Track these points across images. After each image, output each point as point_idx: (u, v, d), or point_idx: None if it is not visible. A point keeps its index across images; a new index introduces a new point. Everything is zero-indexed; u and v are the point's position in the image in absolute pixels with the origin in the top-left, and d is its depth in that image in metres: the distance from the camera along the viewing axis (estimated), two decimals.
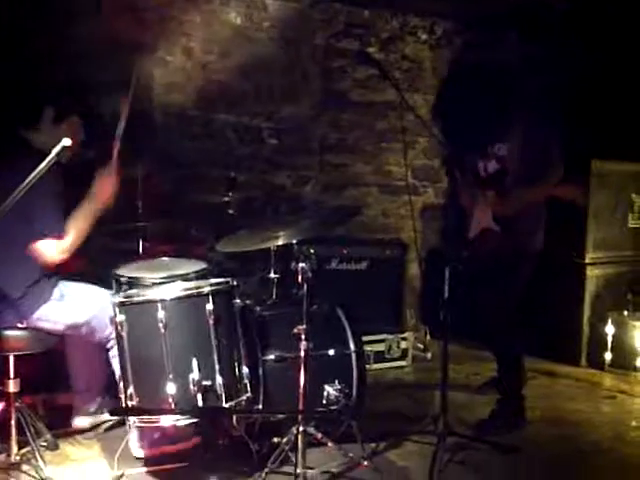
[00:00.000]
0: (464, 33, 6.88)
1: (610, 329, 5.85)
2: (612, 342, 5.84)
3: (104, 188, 3.90)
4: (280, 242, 4.06)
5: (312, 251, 3.97)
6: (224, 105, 5.89)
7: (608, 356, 5.85)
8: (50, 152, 2.85)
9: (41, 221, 3.70)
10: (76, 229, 3.79)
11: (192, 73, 5.77)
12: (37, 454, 3.68)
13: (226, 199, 4.56)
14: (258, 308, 4.19)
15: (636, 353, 5.74)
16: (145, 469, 3.79)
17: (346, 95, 6.50)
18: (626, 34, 6.37)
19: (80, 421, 4.21)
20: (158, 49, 5.62)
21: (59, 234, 3.73)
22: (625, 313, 5.93)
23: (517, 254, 4.51)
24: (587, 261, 5.92)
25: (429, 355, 6.11)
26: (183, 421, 3.45)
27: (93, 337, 3.98)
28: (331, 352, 4.08)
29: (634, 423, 4.83)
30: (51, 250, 3.75)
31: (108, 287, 3.97)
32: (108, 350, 4.01)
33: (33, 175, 2.80)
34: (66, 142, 2.84)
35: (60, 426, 4.18)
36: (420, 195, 6.86)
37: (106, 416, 4.19)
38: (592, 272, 5.96)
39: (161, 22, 5.61)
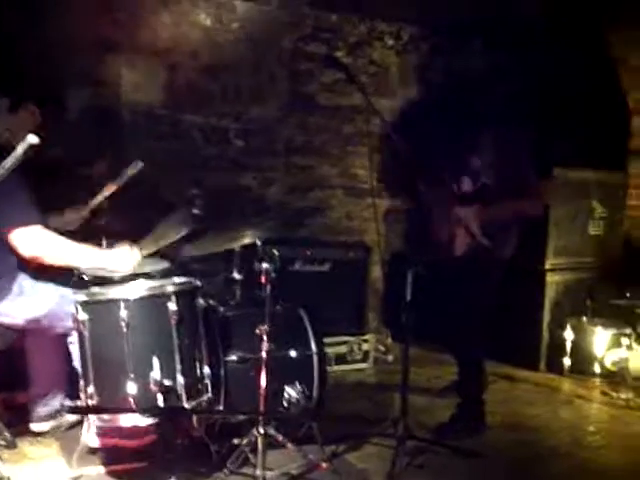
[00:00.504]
0: (430, 39, 6.92)
1: (569, 334, 5.91)
2: (571, 347, 5.91)
3: (123, 261, 3.79)
4: (244, 243, 4.07)
5: (275, 252, 3.99)
6: (191, 105, 5.89)
7: (567, 361, 5.91)
8: (3, 141, 2.83)
9: (10, 214, 3.64)
10: (63, 245, 3.70)
11: (160, 73, 5.76)
12: None
13: (194, 190, 4.55)
14: (221, 308, 4.19)
15: (594, 359, 5.81)
16: (103, 469, 3.76)
17: (313, 98, 6.52)
18: (588, 43, 6.47)
19: (39, 427, 4.17)
20: (127, 47, 5.60)
21: (22, 222, 3.64)
22: (584, 319, 5.98)
23: (489, 260, 4.55)
24: (547, 267, 5.98)
25: (390, 358, 6.13)
26: (143, 421, 3.45)
27: (52, 329, 3.95)
28: (293, 353, 4.10)
29: (591, 428, 4.89)
30: (19, 240, 3.64)
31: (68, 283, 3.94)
32: (67, 338, 3.98)
33: (2, 170, 2.78)
34: (32, 139, 2.83)
35: (19, 424, 4.15)
36: (384, 198, 6.90)
37: (66, 417, 4.17)
38: (552, 278, 6.03)
39: (131, 22, 5.59)
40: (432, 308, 4.63)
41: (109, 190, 4.42)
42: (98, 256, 3.76)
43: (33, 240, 3.65)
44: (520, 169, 4.50)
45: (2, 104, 3.96)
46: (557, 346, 5.98)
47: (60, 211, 4.38)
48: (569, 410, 5.23)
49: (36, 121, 4.02)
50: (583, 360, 5.88)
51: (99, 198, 4.43)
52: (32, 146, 2.82)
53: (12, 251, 3.73)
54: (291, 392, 3.98)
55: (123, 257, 3.76)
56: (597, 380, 5.77)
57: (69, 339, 3.97)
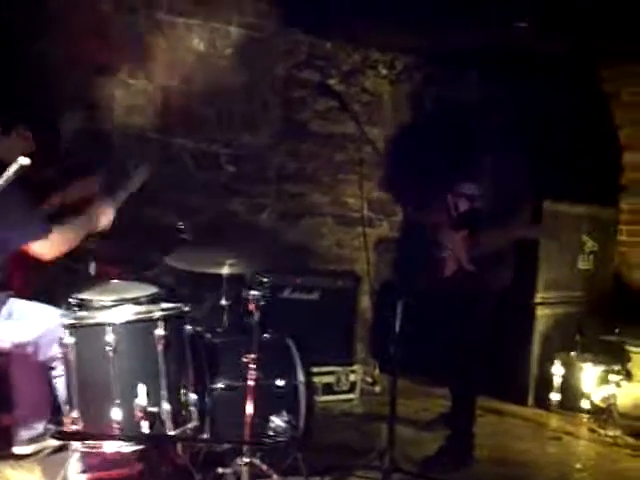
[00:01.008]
0: (424, 68, 6.95)
1: (558, 370, 5.89)
2: (560, 383, 5.88)
3: (103, 218, 4.02)
4: (233, 269, 4.04)
5: (265, 279, 3.96)
6: (183, 130, 5.87)
7: (555, 397, 5.88)
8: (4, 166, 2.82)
9: (25, 230, 3.70)
10: (62, 231, 3.80)
11: (153, 96, 5.75)
12: None
13: (180, 224, 4.53)
14: (208, 335, 4.16)
15: (582, 394, 5.78)
16: None
17: (306, 125, 6.52)
18: (581, 78, 6.51)
19: (21, 450, 4.10)
20: (120, 71, 5.60)
21: (42, 234, 3.72)
22: (573, 354, 5.96)
23: (483, 291, 4.54)
24: (537, 301, 5.97)
25: (378, 389, 6.10)
26: (127, 447, 3.40)
27: (38, 356, 3.90)
28: (280, 382, 4.07)
29: (578, 465, 4.85)
30: (42, 249, 3.75)
31: (58, 307, 3.91)
32: (51, 370, 3.94)
33: None
34: (23, 161, 2.80)
35: (1, 448, 4.09)
36: (375, 228, 6.88)
37: (49, 441, 4.12)
38: (542, 312, 6.01)
39: (125, 45, 5.59)
40: (422, 339, 4.62)
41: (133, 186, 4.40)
42: (90, 221, 3.99)
43: (54, 245, 3.77)
44: (515, 197, 4.51)
45: None
46: (546, 381, 5.95)
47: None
48: (557, 446, 5.21)
49: (29, 144, 4.02)
50: (572, 396, 5.85)
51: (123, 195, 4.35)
52: (23, 167, 2.79)
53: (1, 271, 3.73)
54: (277, 421, 3.93)
55: (104, 214, 4.03)
56: (585, 416, 5.73)
57: (53, 372, 3.93)
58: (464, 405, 4.70)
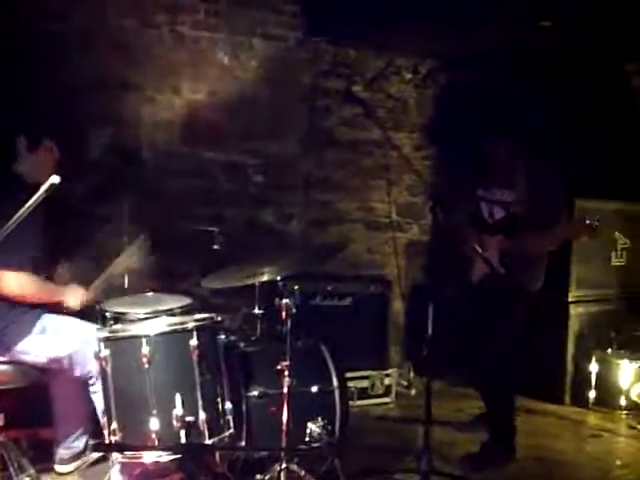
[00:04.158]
0: (448, 72, 6.96)
1: (594, 367, 5.86)
2: (596, 380, 5.85)
3: (72, 299, 4.01)
4: (265, 278, 4.08)
5: (296, 287, 4.00)
6: (211, 142, 5.93)
7: (592, 394, 5.85)
8: (32, 180, 2.86)
9: (9, 256, 3.68)
10: (30, 283, 3.82)
11: (180, 111, 5.81)
12: None
13: (213, 229, 4.56)
14: (242, 344, 4.20)
15: (620, 391, 5.75)
16: None
17: (332, 133, 6.56)
18: (607, 72, 6.48)
19: (63, 468, 4.16)
20: (146, 88, 5.67)
21: (16, 268, 3.76)
22: (609, 351, 5.94)
23: (519, 293, 4.55)
24: (570, 299, 5.93)
25: (413, 392, 6.09)
26: (166, 457, 3.44)
27: (74, 371, 3.95)
28: (314, 389, 4.09)
29: (618, 462, 4.84)
30: (6, 280, 3.78)
31: (93, 321, 3.97)
32: (90, 385, 3.99)
33: (23, 210, 2.81)
34: (55, 179, 2.85)
35: (44, 461, 4.13)
36: (404, 232, 6.90)
37: (90, 455, 4.17)
38: (576, 310, 5.98)
39: (149, 61, 5.66)
40: (456, 341, 4.62)
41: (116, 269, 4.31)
42: (57, 293, 3.98)
43: (17, 284, 3.79)
44: (554, 203, 4.52)
45: (21, 143, 4.01)
46: (582, 379, 5.92)
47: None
48: (595, 444, 5.18)
49: (55, 158, 4.06)
50: (608, 393, 5.82)
51: (103, 278, 4.26)
52: (53, 186, 2.84)
53: None
54: (313, 427, 3.95)
55: (72, 294, 3.99)
56: (623, 413, 5.70)
57: (90, 385, 3.98)
58: (504, 403, 4.69)
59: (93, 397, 3.98)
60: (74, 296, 4.00)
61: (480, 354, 4.68)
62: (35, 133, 4.06)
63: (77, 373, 3.96)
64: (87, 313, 4.03)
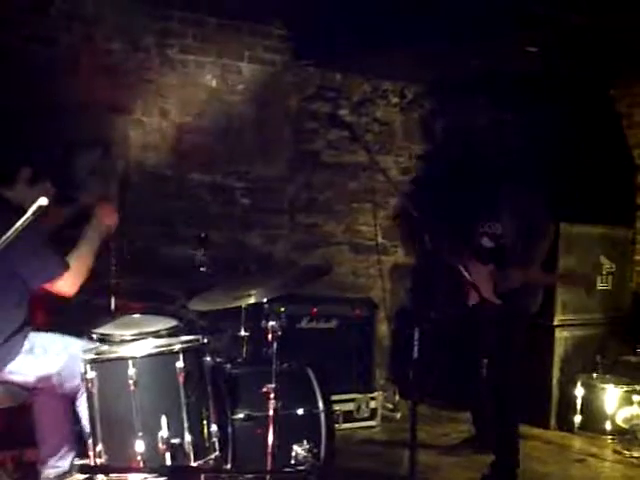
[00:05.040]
0: (434, 96, 7.01)
1: (579, 391, 5.87)
2: (581, 405, 5.86)
3: (106, 216, 4.06)
4: (251, 301, 4.08)
5: (282, 309, 4.00)
6: (198, 165, 5.95)
7: (578, 419, 5.86)
8: (23, 210, 2.86)
9: (33, 274, 3.75)
10: (78, 260, 3.85)
11: (167, 133, 5.84)
12: None
13: (198, 256, 4.57)
14: (228, 366, 4.19)
15: (605, 416, 5.76)
16: None
17: (318, 156, 6.59)
18: (592, 99, 6.54)
19: None
20: (134, 110, 5.69)
21: (59, 274, 3.77)
22: (594, 376, 5.96)
23: (517, 318, 4.57)
24: (556, 323, 5.95)
25: (398, 415, 6.08)
26: (151, 479, 3.43)
27: (63, 388, 3.91)
28: (300, 411, 4.08)
29: None
30: (62, 288, 3.82)
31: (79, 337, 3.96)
32: (75, 403, 3.97)
33: (9, 233, 2.80)
34: (42, 201, 2.85)
35: None
36: (390, 255, 6.92)
37: (75, 476, 4.14)
38: (561, 334, 5.99)
39: (138, 84, 5.69)
40: (445, 365, 4.62)
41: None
42: (95, 228, 4.00)
43: (75, 279, 3.82)
44: (537, 225, 4.56)
45: (24, 174, 3.99)
46: (567, 403, 5.93)
47: None
48: (581, 468, 5.18)
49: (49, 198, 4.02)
50: (594, 417, 5.83)
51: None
52: (41, 208, 2.84)
53: (25, 307, 3.80)
54: (299, 450, 3.94)
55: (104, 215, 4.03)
56: (609, 438, 5.70)
57: (77, 401, 3.96)
58: (507, 434, 4.69)
59: (79, 409, 3.94)
60: (108, 214, 4.06)
61: (478, 378, 4.69)
62: (41, 167, 4.05)
63: (66, 390, 3.92)
64: (72, 334, 4.00)
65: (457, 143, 6.01)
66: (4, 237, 2.79)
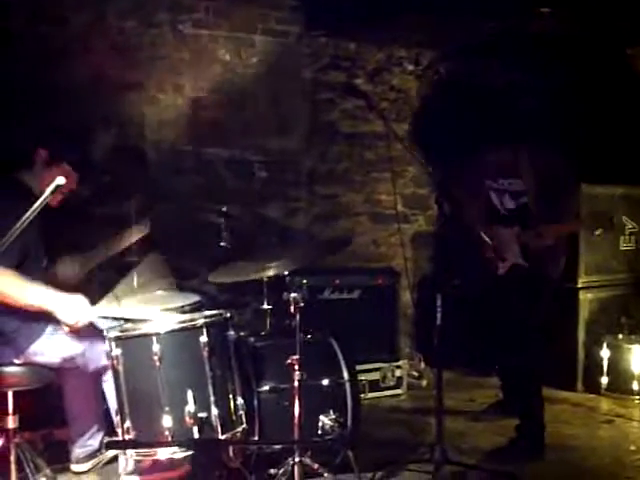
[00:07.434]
0: (449, 62, 6.95)
1: (605, 353, 5.86)
2: (608, 366, 5.85)
3: (70, 312, 3.73)
4: (272, 273, 4.08)
5: (304, 281, 4.00)
6: (214, 140, 5.94)
7: (604, 380, 5.85)
8: (40, 194, 2.86)
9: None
10: (13, 285, 3.65)
11: (183, 109, 5.83)
12: None
13: (221, 230, 4.56)
14: (252, 339, 4.20)
15: (632, 376, 5.75)
16: None
17: (334, 126, 6.57)
18: (609, 58, 6.46)
19: (79, 467, 4.15)
20: (149, 87, 5.68)
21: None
22: (620, 336, 5.94)
23: (544, 282, 4.56)
24: (580, 285, 5.94)
25: (424, 383, 6.10)
26: (179, 453, 3.45)
27: (88, 367, 3.95)
28: (325, 382, 4.09)
29: (632, 447, 4.81)
30: None
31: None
32: (102, 381, 3.99)
33: (29, 213, 2.82)
34: (60, 181, 2.85)
35: (60, 461, 4.15)
36: (410, 223, 6.91)
37: (105, 454, 4.18)
38: (585, 296, 5.97)
39: (151, 61, 5.67)
40: (471, 331, 4.61)
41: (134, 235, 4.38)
42: (49, 298, 3.69)
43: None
44: (565, 189, 4.53)
45: (40, 156, 3.97)
46: (594, 365, 5.92)
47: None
48: (609, 429, 5.18)
49: (69, 179, 3.95)
50: (621, 378, 5.82)
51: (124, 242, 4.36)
52: (59, 187, 2.85)
53: None
54: (325, 420, 3.96)
55: (74, 306, 3.69)
56: (636, 398, 5.70)
57: (103, 377, 3.99)
58: (532, 397, 4.67)
59: (105, 388, 3.98)
60: (74, 308, 3.69)
61: (505, 344, 4.68)
62: (57, 150, 4.03)
63: (91, 369, 3.96)
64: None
65: (473, 107, 5.94)
66: (24, 217, 2.81)
